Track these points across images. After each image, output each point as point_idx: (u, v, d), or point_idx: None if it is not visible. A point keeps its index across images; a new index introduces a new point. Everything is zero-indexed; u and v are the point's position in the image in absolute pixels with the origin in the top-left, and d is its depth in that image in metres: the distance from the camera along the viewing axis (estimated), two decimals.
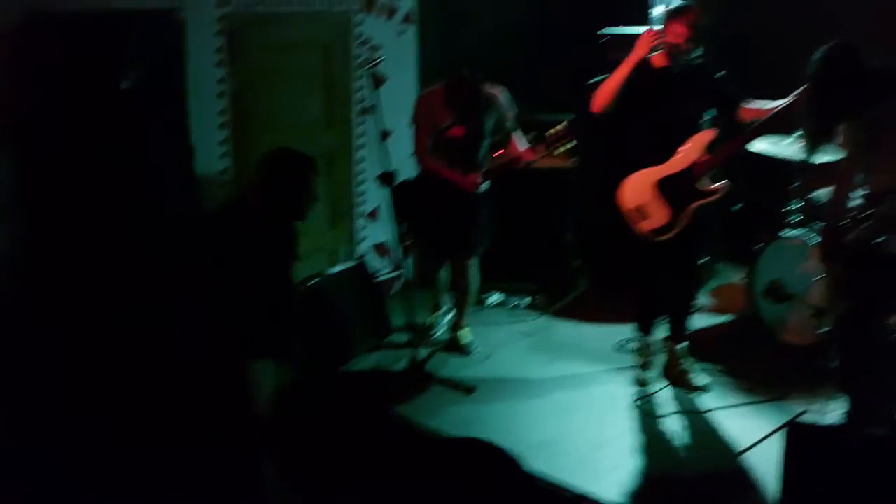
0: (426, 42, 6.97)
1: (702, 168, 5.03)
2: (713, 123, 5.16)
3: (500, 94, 5.63)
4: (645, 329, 5.42)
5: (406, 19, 6.87)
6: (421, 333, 5.80)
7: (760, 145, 5.76)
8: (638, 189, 5.10)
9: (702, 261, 5.47)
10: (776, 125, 4.98)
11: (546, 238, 6.81)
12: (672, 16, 4.97)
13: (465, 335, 5.93)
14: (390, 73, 6.29)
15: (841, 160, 4.31)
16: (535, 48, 7.35)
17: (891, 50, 4.00)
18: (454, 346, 5.88)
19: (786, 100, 4.76)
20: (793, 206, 5.82)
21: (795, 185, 5.81)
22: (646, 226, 5.09)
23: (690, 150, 5.02)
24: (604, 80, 5.96)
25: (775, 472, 3.49)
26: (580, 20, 6.98)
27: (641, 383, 5.27)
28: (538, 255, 6.79)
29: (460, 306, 5.94)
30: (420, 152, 5.61)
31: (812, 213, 5.70)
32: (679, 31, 4.89)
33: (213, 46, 5.72)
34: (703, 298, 6.56)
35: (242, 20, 5.86)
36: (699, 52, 5.06)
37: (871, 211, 3.95)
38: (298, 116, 6.35)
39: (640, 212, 5.09)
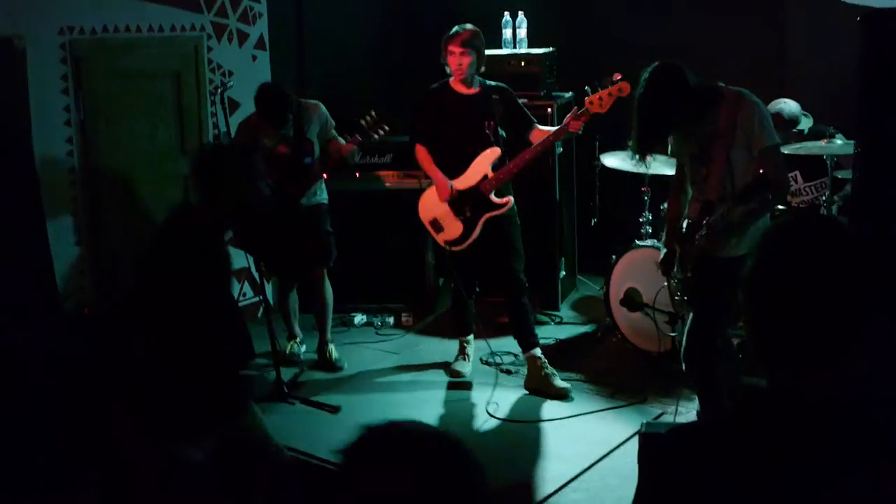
0: (279, 67, 6.95)
1: (489, 184, 5.29)
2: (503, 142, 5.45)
3: (318, 107, 5.75)
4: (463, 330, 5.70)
5: (258, 45, 6.83)
6: (283, 357, 5.74)
7: (612, 161, 5.95)
8: (432, 203, 5.41)
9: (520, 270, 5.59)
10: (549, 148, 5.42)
11: (408, 258, 6.84)
12: (445, 41, 5.26)
13: (333, 350, 5.93)
14: (243, 99, 6.26)
15: (675, 173, 4.53)
16: (390, 69, 7.43)
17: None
18: (325, 364, 5.88)
19: (557, 127, 5.29)
20: (644, 218, 6.03)
21: (646, 198, 6.01)
22: (441, 238, 5.42)
23: (478, 167, 5.30)
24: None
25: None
26: (429, 40, 7.09)
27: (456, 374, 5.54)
28: (401, 275, 6.82)
29: (322, 321, 5.94)
30: None
31: (663, 224, 5.91)
32: (454, 53, 5.20)
33: (59, 74, 5.59)
34: (564, 310, 6.72)
35: (87, 47, 5.75)
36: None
37: (707, 220, 4.11)
38: (151, 143, 6.26)
39: (436, 224, 5.41)
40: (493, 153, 5.29)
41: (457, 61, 5.21)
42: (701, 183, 4.19)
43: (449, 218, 5.35)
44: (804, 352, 1.55)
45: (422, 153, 5.43)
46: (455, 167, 5.34)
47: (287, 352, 5.95)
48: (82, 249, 5.74)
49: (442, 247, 5.48)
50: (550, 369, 5.35)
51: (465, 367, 5.59)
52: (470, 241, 5.32)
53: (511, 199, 5.36)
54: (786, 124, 5.53)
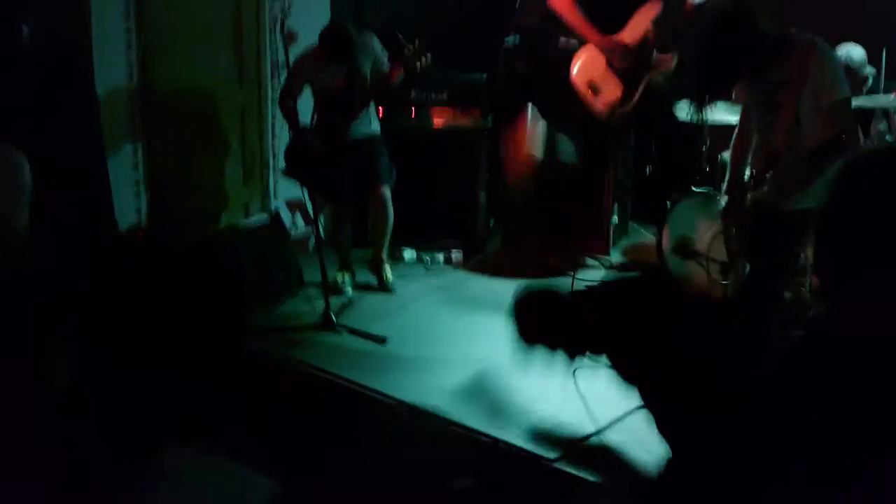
0: None
1: (653, 42, 5.04)
2: None
3: (371, 39, 5.72)
4: None
5: None
6: (333, 287, 5.78)
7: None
8: (590, 65, 5.06)
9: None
10: None
11: (459, 197, 6.84)
12: None
13: (388, 271, 6.04)
14: (302, 30, 6.24)
15: (740, 120, 4.43)
16: (448, 5, 7.35)
17: None
18: (378, 284, 6.01)
19: None
20: (701, 167, 5.95)
21: (704, 146, 5.93)
22: (600, 101, 5.05)
23: (639, 22, 5.01)
24: (515, 42, 6.02)
25: None
26: None
27: None
28: (452, 214, 6.83)
29: (380, 240, 6.00)
30: (284, 101, 5.71)
31: (719, 174, 5.83)
32: None
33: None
34: (615, 255, 6.69)
35: None
36: None
37: (771, 170, 4.05)
38: (209, 72, 6.26)
39: (593, 87, 5.05)
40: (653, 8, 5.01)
41: None
42: (766, 132, 4.11)
43: (609, 79, 5.02)
44: (874, 284, 1.53)
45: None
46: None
47: (338, 282, 5.98)
48: (138, 174, 5.77)
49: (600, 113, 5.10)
50: None
51: None
52: (632, 103, 5.03)
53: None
54: (852, 72, 5.39)
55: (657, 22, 4.93)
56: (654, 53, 4.98)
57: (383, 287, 6.00)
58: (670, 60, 5.23)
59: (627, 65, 4.95)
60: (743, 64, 3.98)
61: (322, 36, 5.55)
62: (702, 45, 4.02)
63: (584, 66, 5.02)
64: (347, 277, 6.07)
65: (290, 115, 5.70)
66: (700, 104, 4.22)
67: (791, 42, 3.97)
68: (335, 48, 5.49)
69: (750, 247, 4.28)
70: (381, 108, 6.06)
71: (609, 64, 4.92)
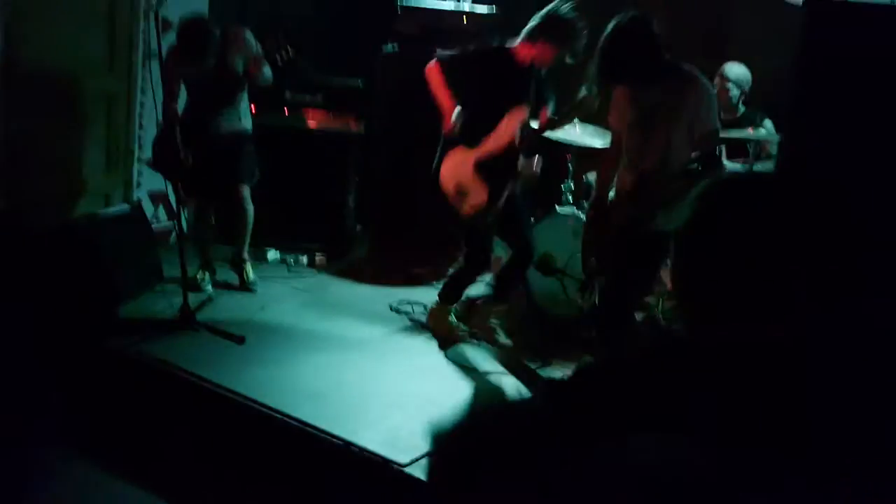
0: None
1: (519, 146, 5.20)
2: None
3: (244, 34, 5.67)
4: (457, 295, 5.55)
5: None
6: (192, 283, 5.68)
7: (535, 125, 5.98)
8: (459, 168, 5.18)
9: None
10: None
11: (328, 200, 6.82)
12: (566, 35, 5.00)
13: (249, 270, 5.99)
14: (176, 19, 6.12)
15: (611, 141, 4.57)
16: (331, 9, 7.33)
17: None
18: (240, 283, 5.99)
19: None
20: (566, 186, 6.09)
21: (570, 165, 6.07)
22: (467, 204, 5.18)
23: (507, 129, 5.15)
24: (395, 49, 6.06)
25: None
26: None
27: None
28: (319, 217, 6.80)
29: (240, 239, 5.97)
30: (166, 104, 5.53)
31: (583, 193, 5.99)
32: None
33: None
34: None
35: None
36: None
37: (638, 191, 4.18)
38: (78, 55, 6.08)
39: (460, 191, 5.17)
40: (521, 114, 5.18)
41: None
42: (636, 153, 4.25)
43: (476, 184, 5.14)
44: (732, 305, 1.60)
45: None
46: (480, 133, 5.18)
47: (198, 279, 5.89)
48: None
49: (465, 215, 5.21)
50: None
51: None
52: (496, 207, 5.17)
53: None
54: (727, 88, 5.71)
55: (524, 127, 5.14)
56: (520, 158, 5.22)
57: (244, 286, 5.95)
58: (535, 165, 5.45)
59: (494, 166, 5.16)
60: (634, 67, 4.10)
61: (179, 30, 5.46)
62: (602, 43, 4.14)
63: (454, 167, 5.20)
64: (207, 275, 5.98)
65: (171, 116, 5.54)
66: (601, 89, 4.38)
67: (677, 70, 4.15)
68: (191, 42, 5.40)
69: (607, 265, 4.41)
70: (253, 105, 5.98)
71: (476, 168, 5.11)
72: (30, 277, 4.83)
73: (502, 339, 5.48)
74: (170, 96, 5.51)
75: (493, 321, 5.58)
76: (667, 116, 4.12)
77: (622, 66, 4.13)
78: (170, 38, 5.65)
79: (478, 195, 5.18)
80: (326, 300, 5.88)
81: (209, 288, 5.91)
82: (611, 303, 4.43)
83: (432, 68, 5.14)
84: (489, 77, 5.11)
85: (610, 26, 4.12)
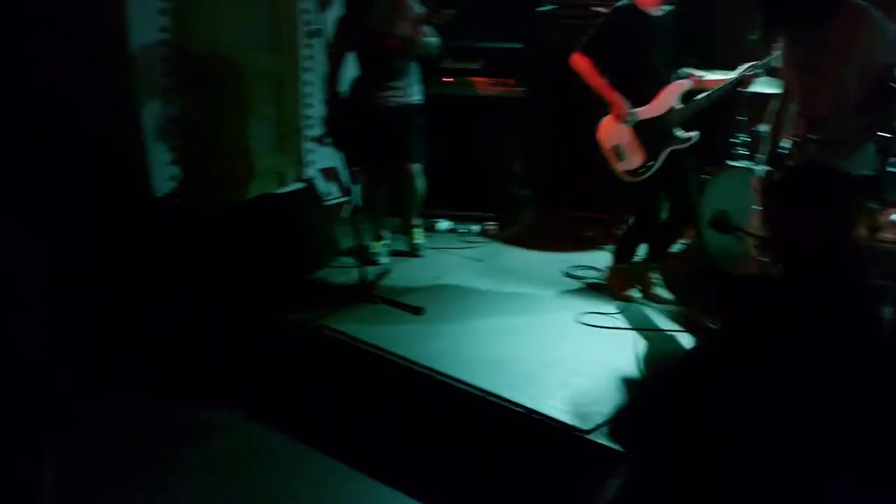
0: None
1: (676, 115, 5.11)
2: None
3: (412, 2, 5.66)
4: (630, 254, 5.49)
5: None
6: (368, 256, 5.79)
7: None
8: (617, 130, 5.13)
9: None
10: None
11: (495, 167, 6.81)
12: None
13: (417, 235, 6.09)
14: None
15: (782, 90, 4.36)
16: None
17: None
18: (408, 248, 6.05)
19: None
20: (739, 139, 5.88)
21: (742, 117, 5.85)
22: (621, 167, 5.14)
23: (668, 97, 5.09)
24: (552, 10, 5.95)
25: None
26: None
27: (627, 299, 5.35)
28: (488, 184, 6.80)
29: (409, 208, 6.05)
30: (333, 74, 5.66)
31: (757, 145, 5.76)
32: None
33: None
34: None
35: None
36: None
37: (812, 138, 3.99)
38: (242, 38, 6.23)
39: (617, 153, 5.13)
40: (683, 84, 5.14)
41: None
42: (809, 97, 4.06)
43: (633, 147, 5.12)
44: None
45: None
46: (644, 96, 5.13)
47: (374, 251, 5.98)
48: (172, 140, 5.76)
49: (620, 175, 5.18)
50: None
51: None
52: (650, 174, 5.12)
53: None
54: None
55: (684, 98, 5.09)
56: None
57: (412, 251, 6.03)
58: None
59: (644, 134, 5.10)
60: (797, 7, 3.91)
61: None
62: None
63: (613, 130, 5.14)
64: (383, 246, 6.06)
65: (335, 88, 5.67)
66: (766, 41, 4.21)
67: (843, 4, 3.91)
68: (359, 6, 5.48)
69: None
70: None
71: (636, 132, 5.00)
72: (211, 258, 5.01)
73: (678, 299, 5.34)
74: (337, 67, 5.61)
75: (667, 281, 5.44)
76: (835, 56, 3.90)
77: (788, 8, 3.94)
78: (331, 15, 5.73)
79: (635, 158, 5.11)
80: (499, 268, 5.87)
81: (385, 259, 5.99)
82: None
83: (577, 59, 5.07)
84: (627, 37, 5.02)
85: None
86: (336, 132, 5.68)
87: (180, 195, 5.70)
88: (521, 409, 4.04)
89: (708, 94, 5.17)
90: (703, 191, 5.70)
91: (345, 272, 5.59)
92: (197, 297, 4.80)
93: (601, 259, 5.70)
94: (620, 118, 5.08)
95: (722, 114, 6.04)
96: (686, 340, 4.82)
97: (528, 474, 3.81)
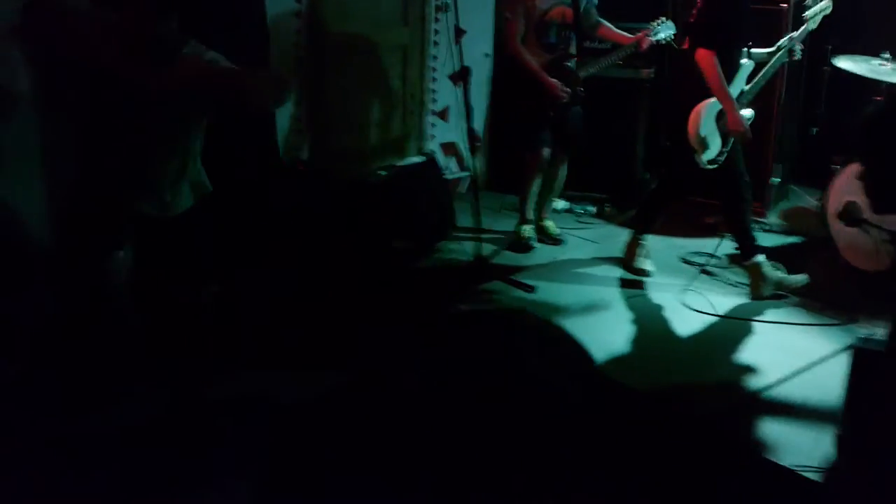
0: None
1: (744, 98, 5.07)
2: None
3: None
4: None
5: None
6: (523, 241, 5.85)
7: (845, 64, 5.60)
8: (705, 119, 5.02)
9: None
10: None
11: (616, 149, 6.74)
12: None
13: (553, 226, 6.06)
14: None
15: None
16: None
17: None
18: (544, 237, 6.01)
19: None
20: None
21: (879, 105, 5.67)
22: (707, 156, 5.04)
23: (740, 80, 5.05)
24: None
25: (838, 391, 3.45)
26: None
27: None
28: (607, 166, 6.74)
29: (548, 197, 6.05)
30: (514, 44, 5.61)
31: None
32: None
33: None
34: (772, 218, 6.51)
35: None
36: None
37: None
38: (375, 10, 6.29)
39: (704, 142, 5.02)
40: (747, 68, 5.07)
41: None
42: None
43: (715, 137, 5.04)
44: None
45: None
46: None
47: (526, 237, 5.91)
48: (302, 109, 5.87)
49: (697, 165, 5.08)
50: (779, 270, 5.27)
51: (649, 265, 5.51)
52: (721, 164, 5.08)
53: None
54: None
55: None
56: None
57: (553, 240, 6.00)
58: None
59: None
60: None
61: None
62: None
63: (702, 119, 5.00)
64: (532, 229, 5.99)
65: (521, 58, 5.61)
66: None
67: None
68: None
69: None
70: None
71: (717, 120, 4.91)
72: (338, 227, 5.09)
73: (804, 292, 5.21)
74: (515, 31, 5.59)
75: (792, 276, 5.30)
76: None
77: None
78: None
79: (714, 146, 5.03)
80: (615, 251, 5.81)
81: (535, 244, 5.92)
82: None
83: (706, 56, 4.85)
84: (739, 25, 4.97)
85: None
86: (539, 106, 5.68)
87: (305, 163, 5.82)
88: (635, 394, 4.02)
89: (763, 74, 5.06)
90: (832, 182, 5.55)
91: (462, 246, 5.62)
92: (315, 266, 4.88)
93: (721, 247, 5.59)
94: (737, 124, 4.95)
95: (859, 100, 5.88)
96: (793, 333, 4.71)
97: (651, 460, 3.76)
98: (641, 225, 5.52)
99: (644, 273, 5.43)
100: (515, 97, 5.74)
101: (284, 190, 5.12)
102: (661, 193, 5.54)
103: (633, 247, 5.51)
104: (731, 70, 4.97)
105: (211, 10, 4.76)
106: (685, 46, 5.10)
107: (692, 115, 5.00)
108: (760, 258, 5.17)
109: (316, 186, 5.27)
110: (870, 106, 5.59)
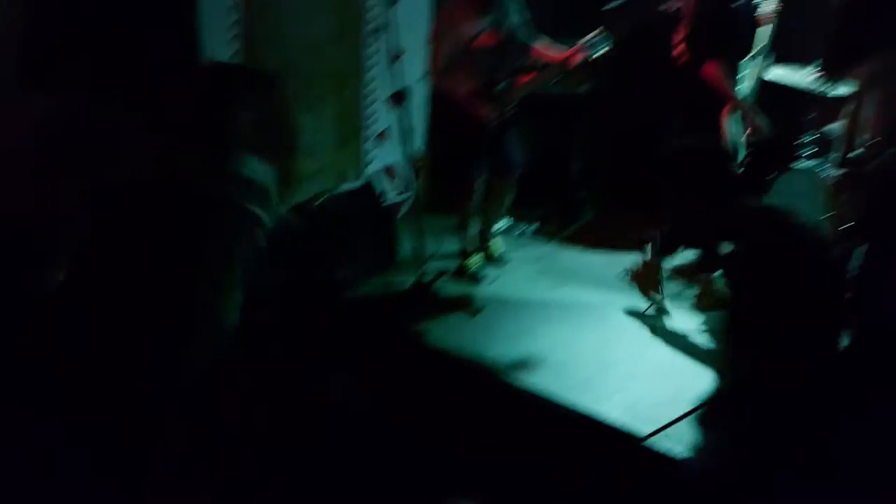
0: None
1: None
2: None
3: None
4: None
5: None
6: (472, 273, 5.75)
7: (777, 74, 5.68)
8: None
9: None
10: None
11: (553, 165, 6.75)
12: None
13: (499, 244, 5.99)
14: None
15: (855, 92, 4.26)
16: None
17: None
18: (487, 260, 5.92)
19: None
20: (807, 138, 5.78)
21: (810, 117, 5.75)
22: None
23: None
24: (618, 4, 5.88)
25: None
26: None
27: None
28: (545, 182, 6.74)
29: (494, 215, 5.96)
30: (437, 73, 5.53)
31: (826, 146, 5.66)
32: None
33: None
34: None
35: None
36: None
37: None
38: (309, 33, 6.25)
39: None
40: None
41: None
42: (888, 103, 3.95)
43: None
44: None
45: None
46: None
47: (475, 267, 5.81)
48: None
49: None
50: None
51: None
52: None
53: None
54: None
55: None
56: None
57: (496, 261, 5.93)
58: None
59: None
60: (881, 26, 3.84)
61: None
62: (840, 20, 3.90)
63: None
64: (476, 258, 5.88)
65: (444, 87, 5.52)
66: (832, 77, 4.13)
67: None
68: None
69: (867, 217, 4.15)
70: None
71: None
72: (274, 259, 5.03)
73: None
74: (438, 60, 5.47)
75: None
76: None
77: (871, 36, 3.86)
78: (395, 12, 5.67)
79: None
80: (557, 268, 5.82)
81: (480, 271, 5.78)
82: (874, 264, 4.17)
83: (714, 69, 4.93)
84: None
85: None
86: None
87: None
88: (578, 414, 4.02)
89: None
90: (769, 190, 5.61)
91: (402, 271, 5.60)
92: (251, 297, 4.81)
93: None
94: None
95: (790, 113, 5.96)
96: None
97: (583, 480, 3.78)
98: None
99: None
100: (444, 126, 5.71)
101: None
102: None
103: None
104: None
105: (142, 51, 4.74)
106: (683, 60, 5.07)
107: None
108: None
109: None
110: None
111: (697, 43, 5.00)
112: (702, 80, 4.94)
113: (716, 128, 5.16)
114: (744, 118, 5.17)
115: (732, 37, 5.01)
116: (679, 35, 5.06)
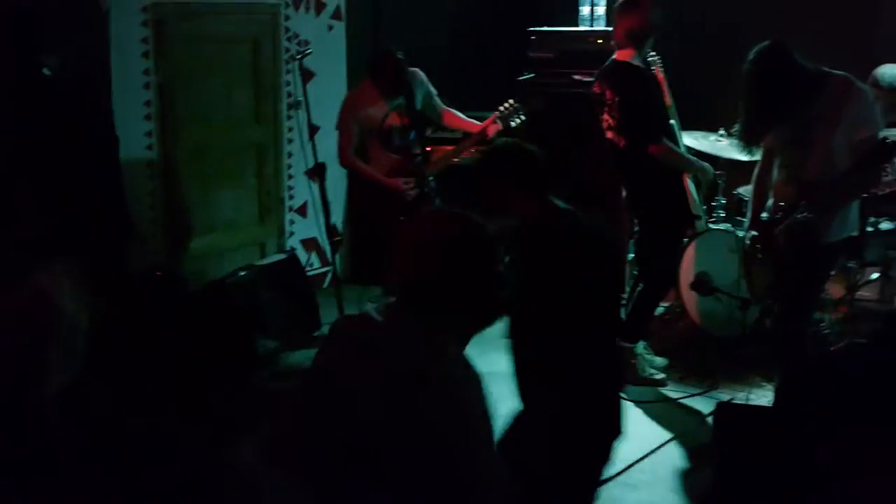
0: (355, 38, 6.93)
1: None
2: None
3: (418, 74, 5.60)
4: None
5: (335, 15, 6.82)
6: None
7: (688, 140, 5.83)
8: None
9: None
10: None
11: None
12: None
13: None
14: (319, 69, 6.27)
15: (762, 156, 4.38)
16: (464, 43, 7.37)
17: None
18: None
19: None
20: (718, 202, 5.94)
21: (721, 180, 5.90)
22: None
23: None
24: (530, 78, 6.00)
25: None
26: (507, 19, 7.02)
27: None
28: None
29: None
30: (345, 156, 5.56)
31: (737, 208, 5.82)
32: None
33: (139, 36, 5.61)
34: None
35: (169, 11, 5.77)
36: None
37: (805, 201, 4.02)
38: (227, 110, 6.27)
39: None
40: None
41: None
42: (796, 167, 4.08)
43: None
44: None
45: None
46: None
47: None
48: (157, 213, 5.76)
49: None
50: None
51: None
52: None
53: None
54: (885, 93, 5.14)
55: None
56: None
57: None
58: None
59: None
60: (785, 101, 3.97)
61: (376, 64, 5.44)
62: (745, 84, 4.02)
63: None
64: None
65: (358, 168, 5.58)
66: (749, 144, 4.24)
67: (827, 77, 3.99)
68: (391, 78, 5.34)
69: (778, 281, 4.25)
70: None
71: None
72: (191, 332, 4.96)
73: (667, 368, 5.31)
74: (348, 143, 5.51)
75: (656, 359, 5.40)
76: (825, 128, 3.96)
77: (776, 103, 3.99)
78: (312, 89, 5.73)
79: None
80: (484, 337, 5.83)
81: None
82: (786, 321, 4.28)
83: (661, 149, 4.95)
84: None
85: (749, 68, 4.01)
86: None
87: (162, 268, 5.68)
88: None
89: None
90: (684, 254, 5.72)
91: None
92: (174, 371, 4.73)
93: None
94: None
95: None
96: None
97: None
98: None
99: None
100: (362, 207, 5.76)
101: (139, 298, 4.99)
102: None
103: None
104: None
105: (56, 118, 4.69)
106: (621, 145, 5.05)
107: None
108: (642, 345, 5.26)
109: (172, 292, 5.15)
110: None
111: (636, 129, 4.99)
112: (648, 161, 4.98)
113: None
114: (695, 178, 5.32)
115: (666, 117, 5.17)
116: (608, 121, 5.06)
